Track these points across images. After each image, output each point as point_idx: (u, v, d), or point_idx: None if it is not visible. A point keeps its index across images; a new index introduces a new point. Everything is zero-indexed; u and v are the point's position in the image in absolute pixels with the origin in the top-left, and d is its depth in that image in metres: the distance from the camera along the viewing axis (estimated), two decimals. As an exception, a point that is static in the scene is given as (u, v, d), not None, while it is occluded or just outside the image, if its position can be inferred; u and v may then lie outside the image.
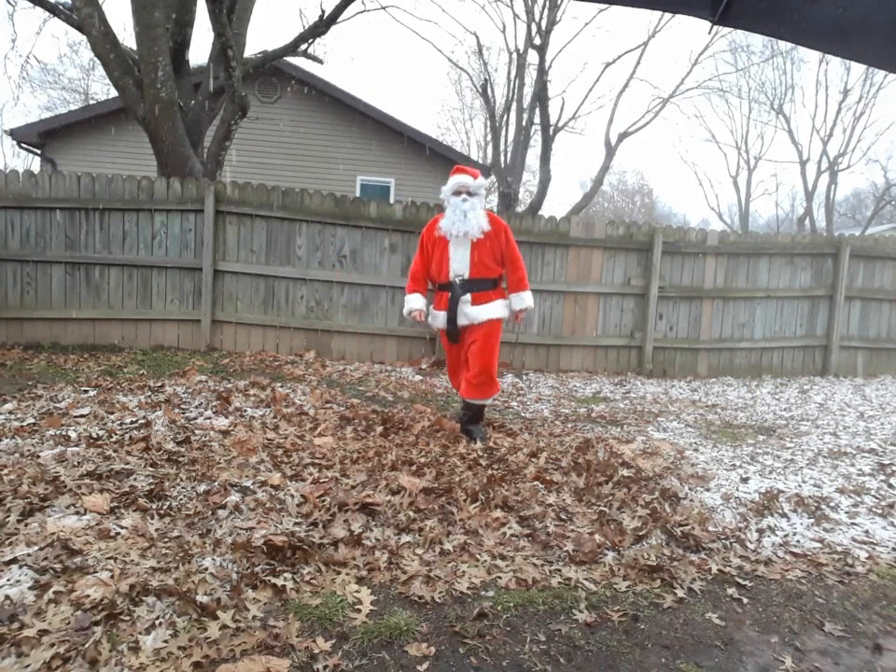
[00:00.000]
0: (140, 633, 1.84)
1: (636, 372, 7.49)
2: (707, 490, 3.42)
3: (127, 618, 1.90)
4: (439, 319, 4.23)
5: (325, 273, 6.92)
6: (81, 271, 6.53)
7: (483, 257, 4.11)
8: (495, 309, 4.15)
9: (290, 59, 10.66)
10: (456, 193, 4.11)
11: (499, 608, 2.18)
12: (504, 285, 4.31)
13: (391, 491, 2.98)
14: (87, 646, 1.75)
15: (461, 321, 4.12)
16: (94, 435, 3.49)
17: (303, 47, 9.22)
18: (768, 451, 4.29)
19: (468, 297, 4.09)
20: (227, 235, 6.75)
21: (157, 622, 1.90)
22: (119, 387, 4.80)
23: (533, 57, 16.58)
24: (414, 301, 4.25)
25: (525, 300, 4.22)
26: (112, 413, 3.97)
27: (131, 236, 6.58)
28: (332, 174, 12.87)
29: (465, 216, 4.04)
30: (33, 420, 3.76)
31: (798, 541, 2.87)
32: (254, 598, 2.08)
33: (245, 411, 4.29)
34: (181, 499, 2.76)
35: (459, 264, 4.10)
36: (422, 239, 4.31)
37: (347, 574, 2.29)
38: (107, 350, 6.41)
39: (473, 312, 4.09)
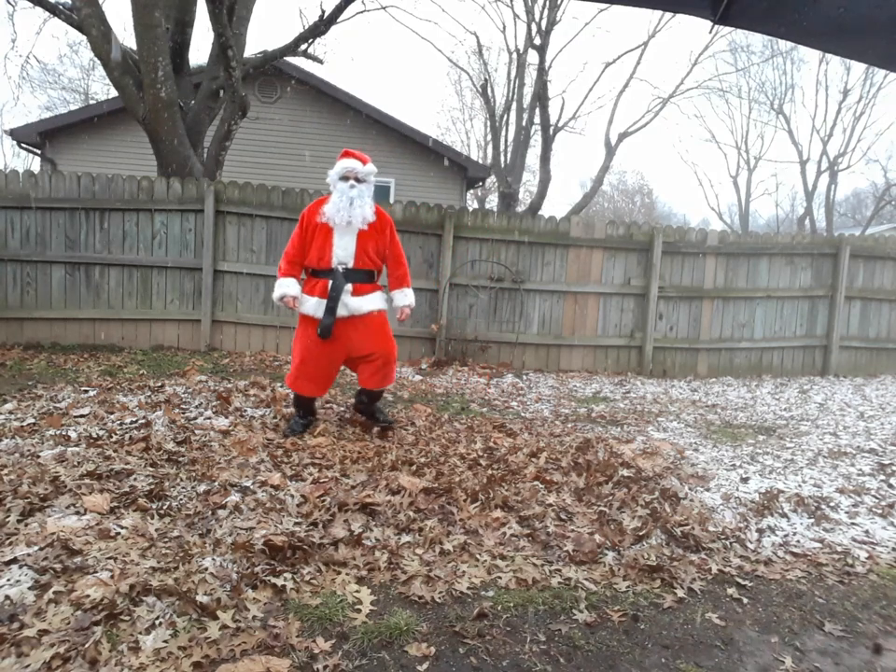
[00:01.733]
0: (140, 633, 1.84)
1: (636, 372, 7.49)
2: (707, 490, 3.42)
3: (127, 618, 1.90)
4: (309, 305, 3.90)
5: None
6: (81, 271, 6.53)
7: (368, 248, 3.92)
8: (376, 300, 3.99)
9: (290, 59, 10.67)
10: (344, 178, 3.86)
11: (499, 608, 2.17)
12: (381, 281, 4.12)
13: (391, 491, 2.98)
14: (87, 646, 1.75)
15: (340, 312, 3.85)
16: (94, 435, 3.48)
17: (303, 47, 9.23)
18: (768, 451, 4.29)
19: (349, 287, 3.87)
20: (227, 235, 6.75)
21: (157, 622, 1.90)
22: (118, 387, 4.80)
23: (533, 57, 16.60)
24: (289, 287, 3.92)
25: (408, 296, 4.10)
26: (112, 413, 3.97)
27: (131, 236, 6.58)
28: (332, 174, 12.84)
29: (351, 202, 3.81)
30: (33, 420, 3.76)
31: (798, 541, 2.87)
32: (254, 598, 2.08)
33: (246, 411, 4.29)
34: (181, 499, 2.76)
35: (344, 252, 3.88)
36: (302, 220, 3.98)
37: (347, 574, 2.29)
38: (107, 350, 6.40)
39: (355, 303, 3.88)
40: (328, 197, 3.96)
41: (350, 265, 3.90)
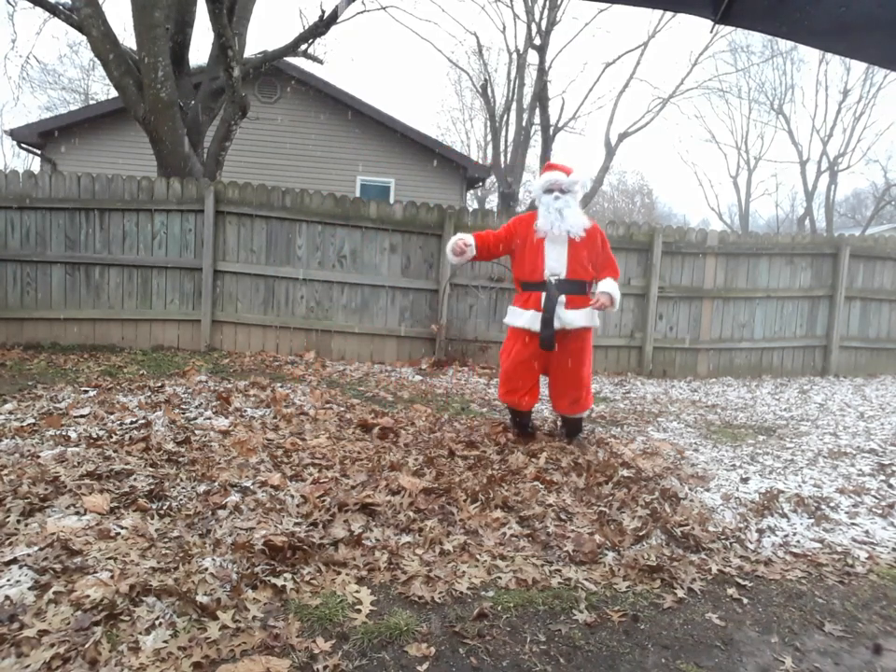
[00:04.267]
0: (140, 633, 1.84)
1: (636, 373, 7.48)
2: (707, 490, 3.42)
3: (127, 618, 1.90)
4: (524, 318, 3.87)
5: (325, 274, 6.92)
6: (81, 271, 6.53)
7: (581, 257, 3.86)
8: (588, 315, 3.90)
9: (290, 59, 10.66)
10: (548, 191, 3.85)
11: (499, 608, 2.17)
12: (594, 289, 4.03)
13: (391, 491, 2.98)
14: (87, 646, 1.75)
15: (555, 324, 3.79)
16: (94, 435, 3.48)
17: (303, 47, 9.22)
18: (768, 451, 4.29)
19: (563, 298, 3.80)
20: (227, 235, 6.75)
21: (157, 622, 1.90)
22: (119, 387, 4.79)
23: (533, 57, 16.60)
24: (463, 237, 3.93)
25: (609, 286, 3.89)
26: (112, 414, 3.97)
27: (131, 236, 6.58)
28: (332, 174, 12.87)
29: (560, 213, 3.79)
30: (33, 420, 3.76)
31: (798, 541, 2.87)
32: (254, 598, 2.07)
33: (245, 411, 4.29)
34: (181, 499, 2.76)
35: (556, 263, 3.83)
36: (512, 227, 4.00)
37: (347, 574, 2.29)
38: (107, 350, 6.40)
39: (568, 316, 3.81)
40: (535, 213, 3.95)
41: (563, 275, 3.84)
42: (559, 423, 4.38)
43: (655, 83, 42.94)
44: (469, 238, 3.94)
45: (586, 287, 3.98)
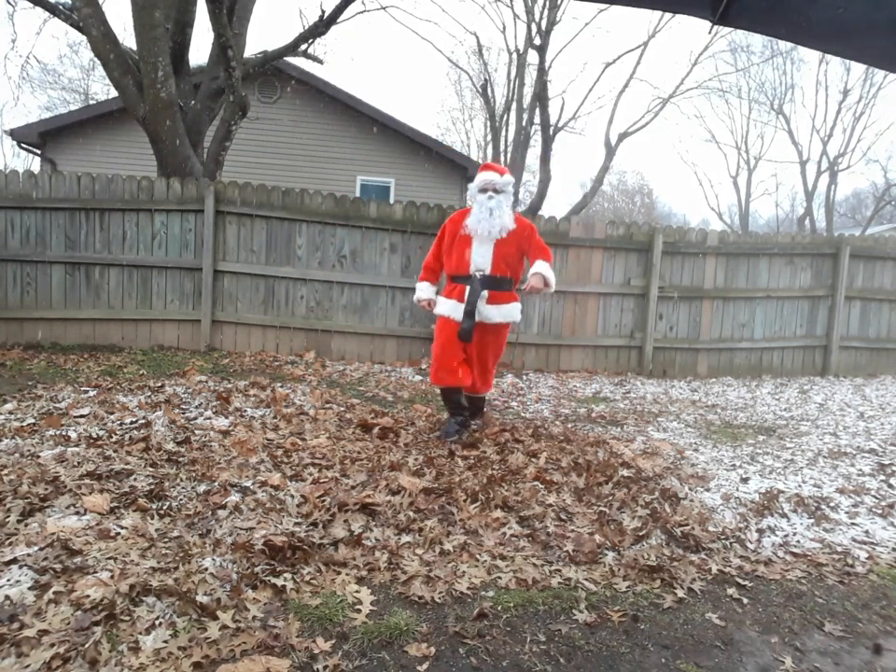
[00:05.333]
0: (140, 633, 1.84)
1: (636, 372, 7.49)
2: (707, 490, 3.42)
3: (127, 618, 1.90)
4: (447, 307, 4.09)
5: (325, 273, 6.92)
6: (81, 271, 6.53)
7: (507, 255, 4.05)
8: (507, 312, 4.10)
9: (290, 59, 10.67)
10: (482, 191, 4.03)
11: (499, 608, 2.17)
12: (518, 287, 4.19)
13: (391, 491, 2.98)
14: (87, 646, 1.75)
15: (475, 317, 4.01)
16: (94, 435, 3.48)
17: (303, 47, 9.22)
18: (768, 451, 4.29)
19: (485, 294, 4.01)
20: (227, 235, 6.75)
21: (157, 622, 1.90)
22: (119, 387, 4.80)
23: (533, 57, 16.61)
24: (423, 291, 4.25)
25: (542, 267, 4.00)
26: (112, 414, 3.97)
27: (131, 236, 6.58)
28: (332, 174, 12.87)
29: (490, 213, 3.97)
30: (33, 420, 3.76)
31: (798, 541, 2.87)
32: (254, 598, 2.08)
33: (245, 411, 4.29)
34: (181, 499, 2.76)
35: (482, 259, 4.03)
36: (442, 231, 4.23)
37: (347, 574, 2.29)
38: (107, 350, 6.40)
39: (489, 311, 4.02)
40: (468, 209, 4.16)
41: (487, 271, 4.04)
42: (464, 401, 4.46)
43: (655, 83, 42.98)
44: (425, 294, 4.25)
45: (510, 285, 4.15)
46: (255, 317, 6.86)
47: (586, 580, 2.39)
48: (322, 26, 8.36)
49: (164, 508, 2.64)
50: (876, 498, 3.42)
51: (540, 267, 4.02)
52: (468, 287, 4.03)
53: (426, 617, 2.09)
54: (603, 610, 2.21)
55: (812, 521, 3.08)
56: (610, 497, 3.12)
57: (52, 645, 1.75)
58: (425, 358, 7.04)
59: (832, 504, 3.29)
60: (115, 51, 6.94)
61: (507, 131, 19.81)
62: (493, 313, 4.04)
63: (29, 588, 1.99)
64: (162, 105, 6.83)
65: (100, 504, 2.59)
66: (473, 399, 4.41)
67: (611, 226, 7.50)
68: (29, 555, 2.16)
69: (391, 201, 11.10)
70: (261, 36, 42.36)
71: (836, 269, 7.87)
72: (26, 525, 2.39)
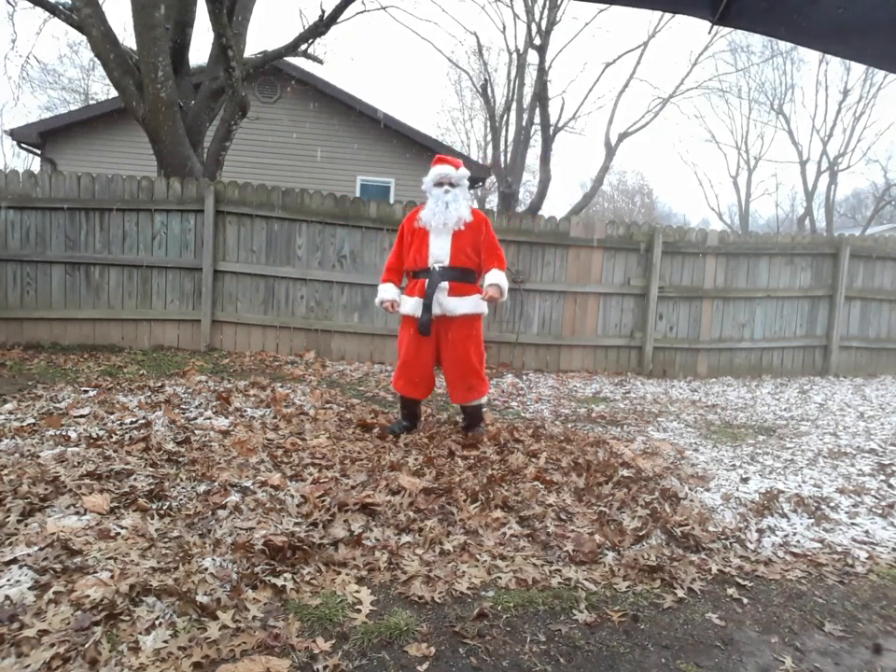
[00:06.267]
0: (140, 633, 1.84)
1: (636, 372, 7.49)
2: (707, 490, 3.42)
3: (127, 618, 1.90)
4: (409, 305, 4.01)
5: (325, 273, 6.92)
6: (81, 271, 6.53)
7: (465, 246, 3.98)
8: (472, 303, 3.99)
9: (290, 59, 10.66)
10: (438, 185, 4.00)
11: (499, 608, 2.17)
12: (481, 281, 4.09)
13: (391, 491, 2.98)
14: (87, 646, 1.75)
15: (435, 310, 3.91)
16: (94, 435, 3.48)
17: (303, 47, 9.22)
18: (768, 451, 4.29)
19: (445, 285, 3.93)
20: (227, 235, 6.75)
21: (157, 622, 1.90)
22: (119, 387, 4.79)
23: (533, 57, 16.61)
24: (386, 291, 4.11)
25: (496, 276, 3.94)
26: (112, 414, 3.97)
27: (131, 236, 6.58)
28: (332, 174, 12.87)
29: (446, 206, 3.93)
30: (33, 420, 3.76)
31: (798, 541, 2.87)
32: (254, 598, 2.08)
33: (245, 411, 4.29)
34: (181, 499, 2.76)
35: (440, 251, 3.96)
36: (401, 229, 4.18)
37: (347, 574, 2.29)
38: (107, 350, 6.40)
39: (450, 303, 3.93)
40: (422, 206, 4.12)
41: (446, 263, 3.97)
42: (460, 418, 4.39)
43: (655, 83, 42.99)
44: (389, 295, 4.10)
45: (472, 276, 4.07)
46: (255, 317, 6.86)
47: (586, 580, 2.39)
48: (322, 26, 8.36)
49: (164, 508, 2.64)
50: (876, 498, 3.42)
51: (496, 277, 3.95)
52: (427, 280, 3.95)
53: (426, 617, 2.09)
54: (603, 610, 2.21)
55: (812, 521, 3.08)
56: (610, 497, 3.12)
57: (52, 645, 1.75)
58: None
59: (832, 504, 3.29)
60: (115, 51, 6.94)
61: (507, 131, 19.79)
62: (455, 304, 3.93)
63: (29, 588, 1.98)
64: (162, 105, 6.84)
65: (100, 504, 2.59)
66: (466, 410, 4.23)
67: (611, 226, 7.51)
68: (29, 555, 2.16)
69: (391, 201, 11.10)
70: (261, 36, 42.43)
71: (836, 269, 7.87)
72: (26, 525, 2.39)
